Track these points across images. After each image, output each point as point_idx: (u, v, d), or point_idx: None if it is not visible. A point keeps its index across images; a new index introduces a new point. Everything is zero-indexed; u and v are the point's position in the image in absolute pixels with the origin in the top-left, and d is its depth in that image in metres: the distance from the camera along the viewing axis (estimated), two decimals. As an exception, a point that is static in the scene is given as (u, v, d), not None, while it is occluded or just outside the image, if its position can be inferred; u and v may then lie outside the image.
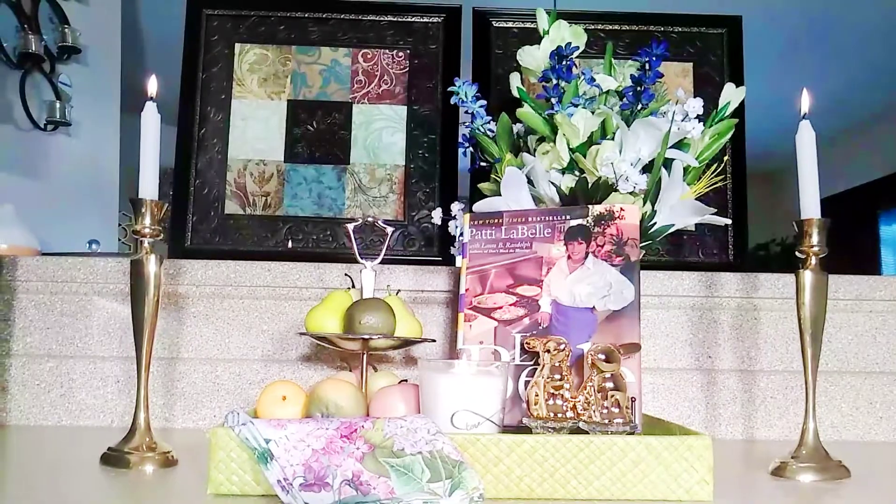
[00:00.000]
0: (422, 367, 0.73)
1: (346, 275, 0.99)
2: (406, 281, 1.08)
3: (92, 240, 1.74)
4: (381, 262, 0.91)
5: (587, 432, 0.70)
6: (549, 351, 0.73)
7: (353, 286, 0.92)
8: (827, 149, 0.81)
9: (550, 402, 0.72)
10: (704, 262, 1.23)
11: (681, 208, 0.88)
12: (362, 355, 0.85)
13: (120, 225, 2.35)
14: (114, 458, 0.75)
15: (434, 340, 0.91)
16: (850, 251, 4.32)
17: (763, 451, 0.94)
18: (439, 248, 1.21)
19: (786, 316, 1.11)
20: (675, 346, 1.10)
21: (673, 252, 1.24)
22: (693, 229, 1.23)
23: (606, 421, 0.70)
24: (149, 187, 0.80)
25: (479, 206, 0.91)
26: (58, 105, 2.05)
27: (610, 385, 0.71)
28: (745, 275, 1.12)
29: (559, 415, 0.71)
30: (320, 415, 0.76)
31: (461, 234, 0.92)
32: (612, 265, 0.81)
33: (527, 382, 0.79)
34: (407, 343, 0.87)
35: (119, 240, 2.41)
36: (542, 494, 0.65)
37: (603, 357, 0.71)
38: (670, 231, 0.89)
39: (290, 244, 1.20)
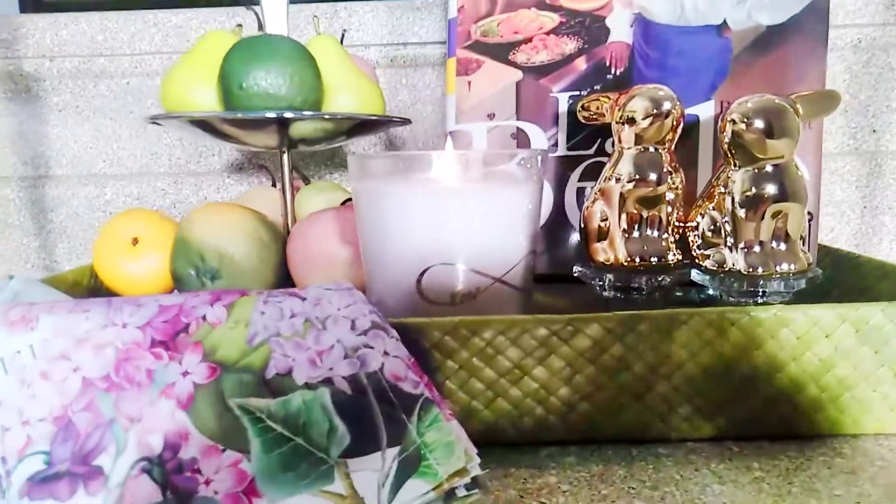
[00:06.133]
0: (354, 169, 0.34)
1: (248, 8, 0.56)
2: (375, 30, 0.66)
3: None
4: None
5: (717, 297, 0.33)
6: (632, 121, 0.33)
7: (260, 26, 0.49)
8: None
9: (636, 233, 0.33)
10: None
11: None
12: (280, 154, 0.47)
13: None
14: None
15: (407, 121, 0.48)
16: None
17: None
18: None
19: None
20: (820, 114, 0.68)
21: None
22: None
23: (759, 269, 0.32)
24: None
25: None
26: None
27: (771, 191, 0.31)
28: (956, -17, 0.65)
29: (655, 259, 0.33)
30: (194, 273, 0.41)
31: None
32: (771, -72, 0.37)
33: (581, 192, 0.40)
34: (353, 129, 0.46)
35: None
36: (613, 434, 0.30)
37: (761, 126, 0.31)
38: None
39: None
